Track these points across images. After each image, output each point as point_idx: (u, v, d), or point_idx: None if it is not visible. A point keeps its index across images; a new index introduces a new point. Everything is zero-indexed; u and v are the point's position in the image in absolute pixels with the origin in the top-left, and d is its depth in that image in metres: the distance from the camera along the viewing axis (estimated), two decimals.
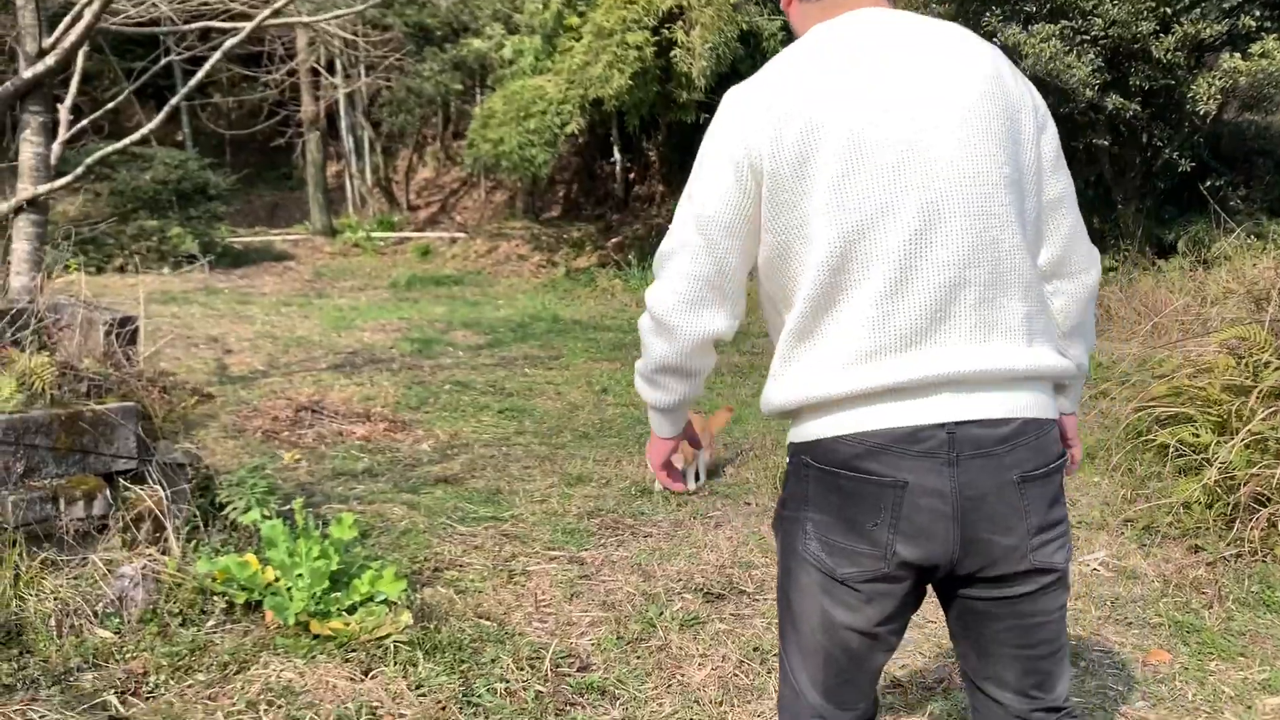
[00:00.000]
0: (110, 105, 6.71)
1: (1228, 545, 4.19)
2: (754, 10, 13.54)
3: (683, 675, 3.26)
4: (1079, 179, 12.87)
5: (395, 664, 3.16)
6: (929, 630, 3.58)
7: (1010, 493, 1.64)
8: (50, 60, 5.58)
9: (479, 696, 3.03)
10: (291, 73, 17.98)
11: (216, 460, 5.10)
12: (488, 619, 3.60)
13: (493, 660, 3.26)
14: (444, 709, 2.94)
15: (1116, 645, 3.51)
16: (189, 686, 3.01)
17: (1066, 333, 1.87)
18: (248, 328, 9.98)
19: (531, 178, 15.55)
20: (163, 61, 7.12)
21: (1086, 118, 11.29)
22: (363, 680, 3.07)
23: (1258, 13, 10.10)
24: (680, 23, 12.92)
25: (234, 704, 2.92)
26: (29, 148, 5.72)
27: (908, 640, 3.44)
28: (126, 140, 6.30)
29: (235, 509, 3.69)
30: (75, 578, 3.35)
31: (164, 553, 3.48)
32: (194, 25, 7.45)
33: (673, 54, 12.79)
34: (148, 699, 2.95)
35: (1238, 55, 9.93)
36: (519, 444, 6.19)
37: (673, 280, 1.74)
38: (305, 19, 9.48)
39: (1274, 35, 9.83)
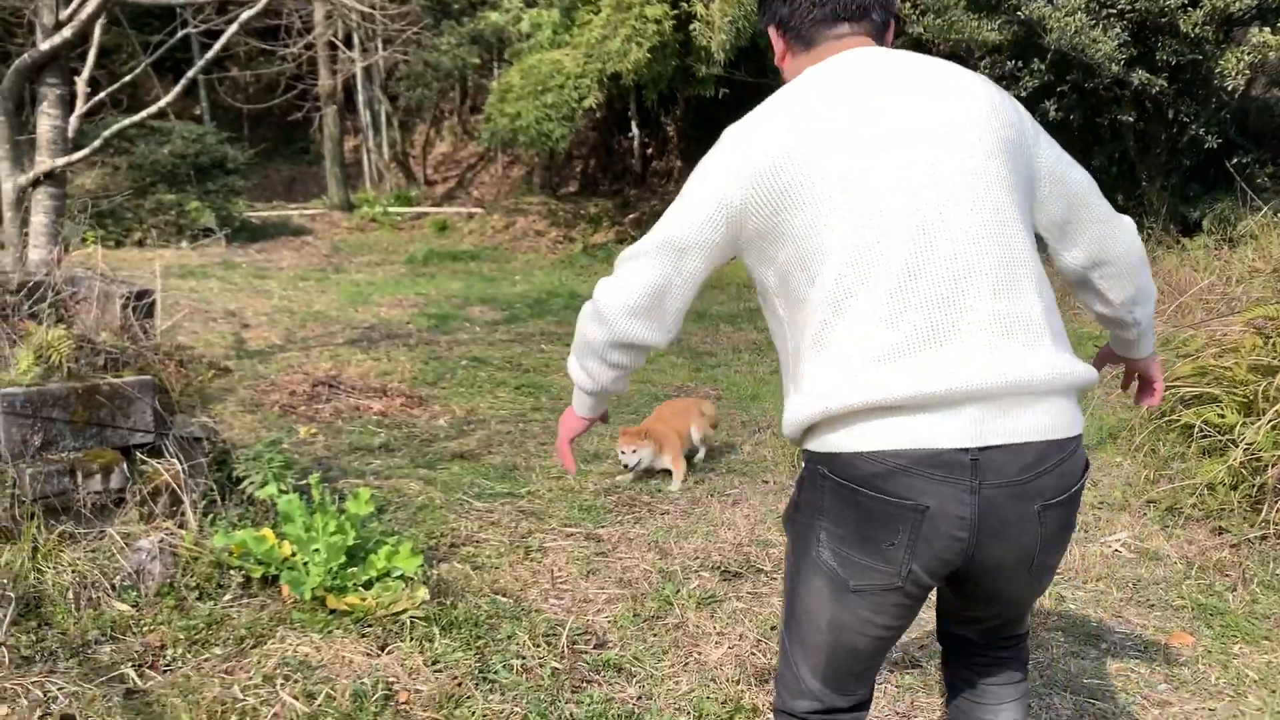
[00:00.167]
0: (127, 78, 6.68)
1: (1253, 528, 4.14)
2: None
3: (700, 653, 3.24)
4: (1102, 155, 12.73)
5: (411, 639, 3.15)
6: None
7: (1030, 522, 1.66)
8: (67, 32, 5.55)
9: (495, 672, 3.02)
10: (309, 46, 17.91)
11: (233, 434, 5.11)
12: (504, 595, 3.59)
13: (509, 636, 3.25)
14: (460, 685, 2.94)
15: (1139, 627, 3.47)
16: (206, 660, 3.02)
17: (1130, 299, 1.93)
18: (265, 302, 10.00)
19: (549, 153, 15.51)
20: (180, 34, 7.08)
21: (1111, 93, 11.14)
22: (379, 655, 3.06)
23: None
24: None
25: (250, 678, 2.92)
26: (46, 120, 5.71)
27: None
28: (143, 113, 6.27)
29: (252, 483, 3.68)
30: (93, 551, 3.36)
31: (181, 526, 3.47)
32: None
33: (692, 27, 12.68)
34: (165, 672, 2.96)
35: (1267, 30, 9.75)
36: (535, 420, 6.17)
37: (624, 280, 1.82)
38: None
39: None
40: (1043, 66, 10.96)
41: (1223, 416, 4.61)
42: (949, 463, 1.59)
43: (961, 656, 2.10)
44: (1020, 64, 11.12)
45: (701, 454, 5.37)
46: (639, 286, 1.80)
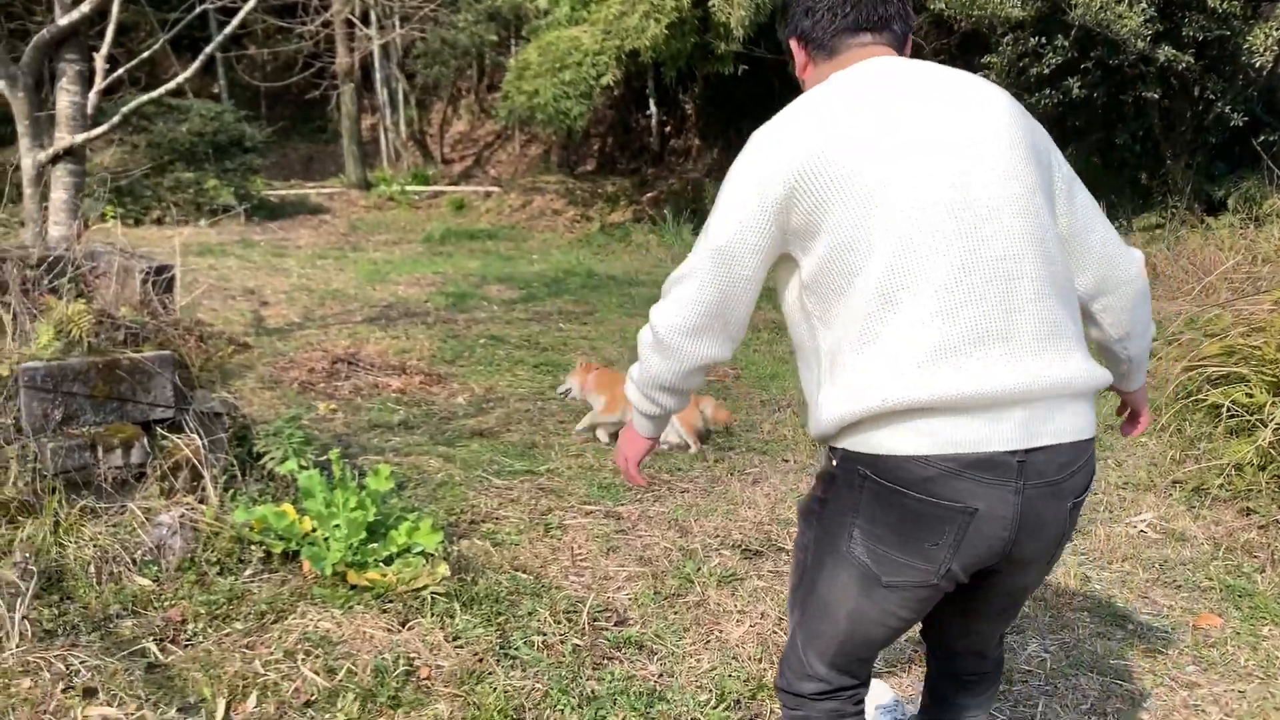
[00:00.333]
0: (146, 54, 6.66)
1: None
2: None
3: (721, 631, 3.22)
4: (1126, 133, 12.57)
5: (432, 615, 3.14)
6: None
7: (1062, 519, 1.72)
8: (85, 8, 5.53)
9: (516, 649, 3.01)
10: (326, 24, 17.83)
11: (253, 411, 5.10)
12: (524, 572, 3.57)
13: (530, 613, 3.24)
14: (481, 661, 2.92)
15: (1166, 608, 3.43)
16: (227, 635, 3.01)
17: (1125, 335, 1.95)
18: (284, 280, 10.00)
19: (566, 131, 15.42)
20: (197, 10, 7.03)
21: (1136, 70, 10.98)
22: (400, 631, 3.06)
23: None
24: None
25: (272, 653, 2.91)
26: (66, 96, 5.70)
27: None
28: (162, 89, 6.26)
29: (272, 459, 3.67)
30: (114, 525, 3.35)
31: (201, 501, 3.47)
32: None
33: (711, 3, 12.55)
34: (186, 646, 2.96)
35: None
36: (554, 399, 6.14)
37: (679, 304, 1.80)
38: None
39: None
40: (1066, 43, 10.81)
41: (1251, 396, 4.55)
42: (999, 465, 1.61)
43: (950, 679, 2.14)
44: (1043, 40, 10.97)
45: (691, 446, 5.17)
46: (697, 305, 1.78)
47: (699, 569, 3.65)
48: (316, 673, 2.81)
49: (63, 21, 5.54)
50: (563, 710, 2.71)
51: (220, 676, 2.77)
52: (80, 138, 5.64)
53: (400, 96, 20.80)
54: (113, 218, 4.05)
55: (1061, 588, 3.55)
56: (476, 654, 2.95)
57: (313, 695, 2.72)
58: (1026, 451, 1.62)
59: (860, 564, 1.72)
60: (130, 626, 3.02)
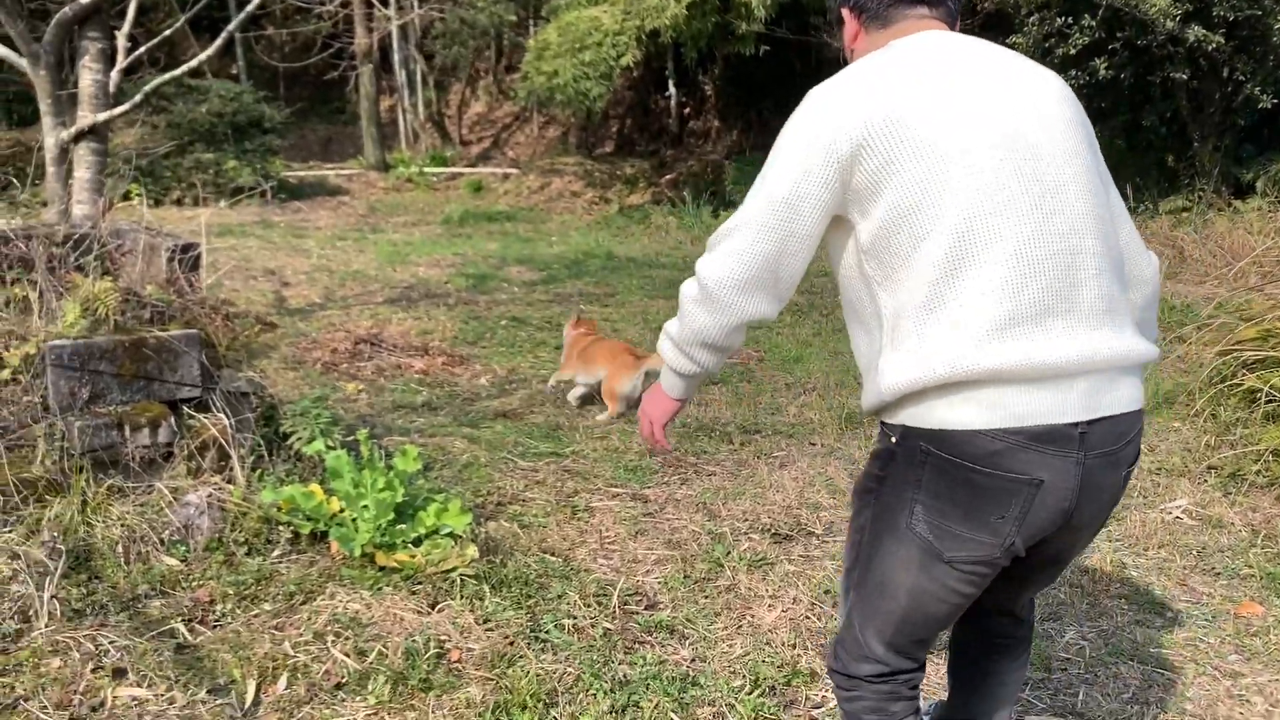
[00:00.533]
0: (167, 33, 6.63)
1: None
2: None
3: (753, 616, 3.18)
4: (1153, 115, 12.42)
5: (462, 597, 3.11)
6: None
7: (1117, 487, 1.74)
8: None
9: (547, 632, 2.97)
10: (345, 4, 17.82)
11: (276, 391, 5.08)
12: (553, 554, 3.54)
13: (559, 596, 3.20)
14: (512, 644, 2.89)
15: (1205, 596, 3.37)
16: (255, 616, 2.99)
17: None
18: (304, 261, 9.98)
19: (585, 112, 15.33)
20: None
21: (1165, 51, 10.82)
22: (429, 613, 3.03)
23: None
24: None
25: (301, 634, 2.89)
26: (88, 74, 5.67)
27: None
28: (183, 68, 6.23)
29: (299, 439, 3.64)
30: (141, 505, 3.33)
31: (229, 481, 3.45)
32: None
33: None
34: (214, 627, 2.94)
35: None
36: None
37: (731, 256, 1.74)
38: None
39: None
40: (1093, 23, 10.66)
41: None
42: (1063, 437, 1.61)
43: (982, 643, 2.14)
44: (1070, 20, 10.82)
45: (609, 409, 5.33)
46: (752, 258, 1.73)
47: (728, 553, 3.60)
48: (347, 655, 2.79)
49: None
50: (595, 695, 2.67)
51: (250, 658, 2.75)
52: (103, 116, 5.61)
53: (418, 77, 20.73)
54: (137, 195, 4.02)
55: (1098, 574, 3.50)
56: (507, 637, 2.92)
57: (343, 677, 2.70)
58: (1089, 423, 1.62)
59: (921, 540, 1.70)
60: (159, 607, 3.00)
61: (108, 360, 3.35)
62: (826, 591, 3.34)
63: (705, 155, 17.52)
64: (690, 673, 2.82)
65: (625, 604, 3.20)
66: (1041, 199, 1.62)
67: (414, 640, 2.86)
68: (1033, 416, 1.59)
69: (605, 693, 2.68)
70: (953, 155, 1.61)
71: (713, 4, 12.86)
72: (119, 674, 2.66)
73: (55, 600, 2.89)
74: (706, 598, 3.29)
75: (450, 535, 3.35)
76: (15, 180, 4.47)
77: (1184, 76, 10.84)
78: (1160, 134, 12.35)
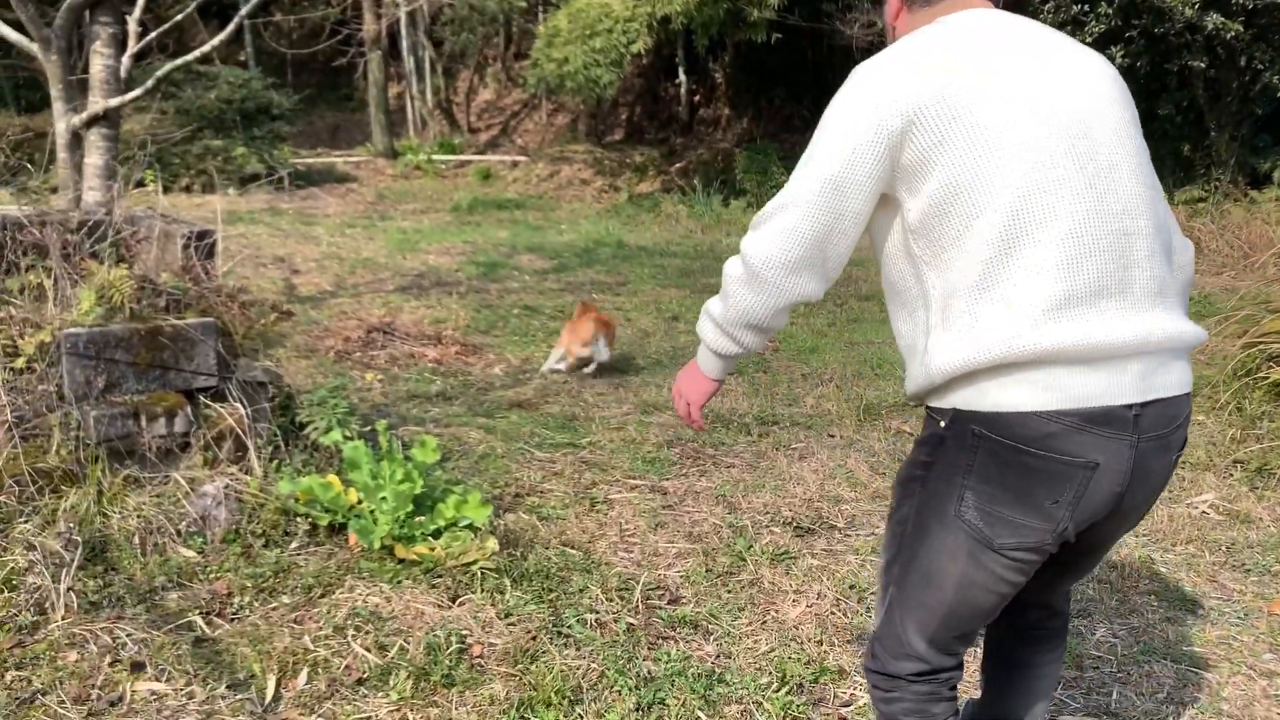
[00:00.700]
0: (178, 18, 6.57)
1: None
2: None
3: (777, 611, 3.13)
4: (1169, 104, 12.30)
5: (483, 591, 3.06)
6: None
7: (1167, 471, 1.72)
8: None
9: (569, 627, 2.93)
10: None
11: (291, 380, 5.04)
12: (573, 547, 3.49)
13: (581, 590, 3.16)
14: (534, 639, 2.85)
15: (1236, 593, 3.32)
16: (274, 609, 2.95)
17: None
18: (314, 248, 9.94)
19: (595, 100, 15.26)
20: None
21: (1182, 39, 10.70)
22: (450, 607, 2.98)
23: None
24: None
25: (321, 628, 2.85)
26: (99, 60, 5.60)
27: None
28: (194, 53, 6.16)
29: (316, 429, 3.60)
30: (157, 496, 3.29)
31: (246, 472, 3.40)
32: None
33: None
34: (233, 620, 2.90)
35: None
36: (591, 370, 6.06)
37: (779, 235, 1.71)
38: None
39: None
40: (1110, 10, 10.56)
41: None
42: (1118, 419, 1.58)
43: (1017, 635, 2.10)
44: (1086, 7, 10.72)
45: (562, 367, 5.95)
46: (800, 237, 1.69)
47: (750, 546, 3.56)
48: (367, 649, 2.75)
49: None
50: (620, 691, 2.63)
51: (269, 652, 2.71)
52: (115, 101, 5.55)
53: (427, 64, 20.63)
54: (152, 181, 3.97)
55: (1127, 570, 3.44)
56: (529, 632, 2.88)
57: (364, 673, 2.66)
58: (1142, 405, 1.60)
59: (971, 528, 1.66)
60: (176, 599, 2.96)
61: (123, 349, 3.30)
62: (851, 586, 3.29)
63: (715, 143, 17.42)
64: (716, 669, 2.78)
65: (648, 598, 3.16)
66: (1095, 178, 1.60)
67: (435, 635, 2.81)
68: (1089, 398, 1.57)
69: (630, 689, 2.63)
70: (1005, 133, 1.58)
71: None
72: (137, 667, 2.62)
73: (72, 592, 2.86)
74: (729, 592, 3.25)
75: (470, 527, 3.31)
76: (29, 166, 4.40)
77: (1201, 65, 10.73)
78: (1176, 123, 12.23)
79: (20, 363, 3.26)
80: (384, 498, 3.25)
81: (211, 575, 3.09)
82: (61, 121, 5.55)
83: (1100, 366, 1.57)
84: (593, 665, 2.74)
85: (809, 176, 1.68)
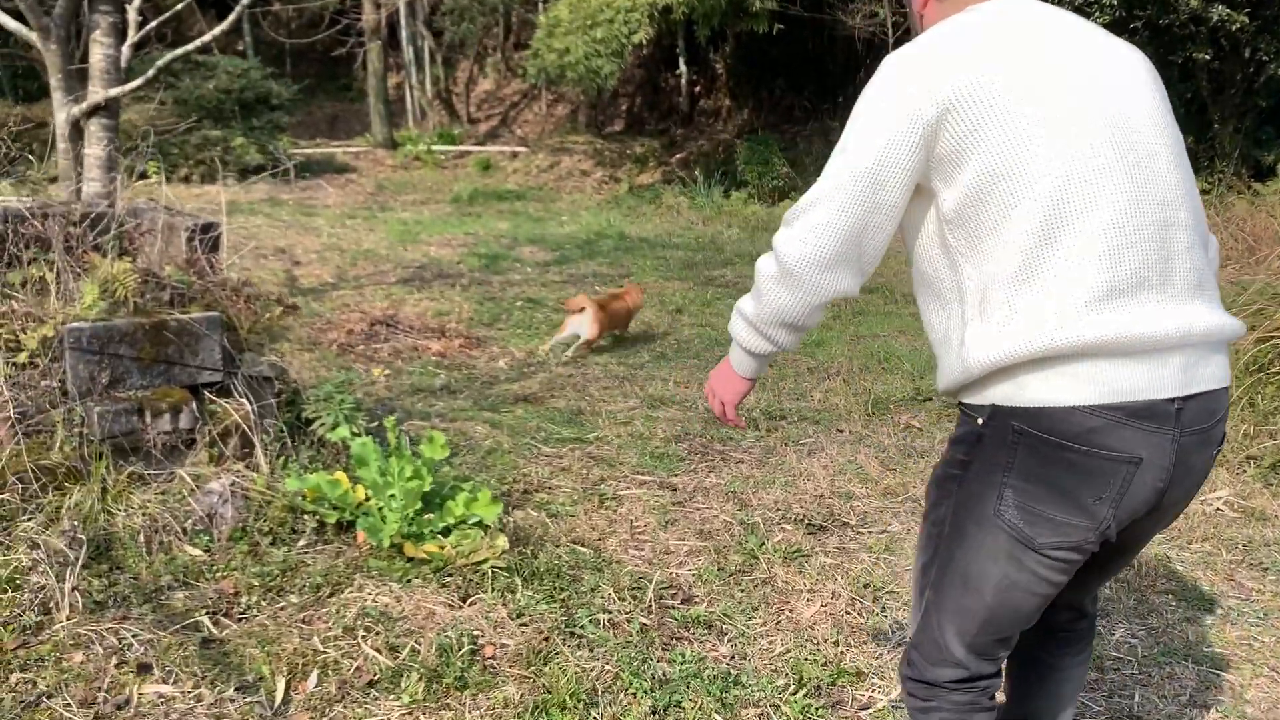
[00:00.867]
0: (178, 6, 6.51)
1: None
2: None
3: (791, 611, 3.09)
4: (1173, 96, 12.28)
5: (494, 590, 3.02)
6: None
7: (1207, 467, 1.68)
8: None
9: (582, 627, 2.89)
10: None
11: (294, 374, 4.99)
12: (583, 545, 3.45)
13: (593, 589, 3.12)
14: (547, 640, 2.81)
15: (1254, 592, 3.28)
16: (282, 608, 2.91)
17: None
18: (314, 239, 9.88)
19: (596, 90, 15.17)
20: None
21: (1187, 30, 10.64)
22: (461, 607, 2.94)
23: None
24: None
25: (330, 629, 2.80)
26: (99, 49, 5.54)
27: None
28: (196, 43, 6.09)
29: (323, 425, 3.55)
30: (163, 493, 3.25)
31: (252, 469, 3.36)
32: None
33: None
34: (240, 620, 2.85)
35: None
36: (596, 363, 6.02)
37: (812, 231, 1.67)
38: None
39: None
40: (1114, 2, 10.49)
41: None
42: (1160, 413, 1.55)
43: (1045, 637, 2.04)
44: None
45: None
46: (834, 232, 1.65)
47: (762, 544, 3.52)
48: (378, 650, 2.70)
49: None
50: (636, 694, 2.59)
51: (278, 653, 2.67)
52: (115, 91, 5.49)
53: (426, 54, 20.54)
54: (156, 173, 3.91)
55: (1144, 569, 3.40)
56: (542, 632, 2.84)
57: (375, 675, 2.61)
58: (1184, 399, 1.57)
59: (1011, 528, 1.62)
60: (182, 598, 2.92)
61: (127, 343, 3.25)
62: (866, 585, 3.25)
63: (716, 134, 17.35)
64: (731, 671, 2.74)
65: (660, 598, 3.12)
66: (1134, 168, 1.57)
67: (447, 636, 2.77)
68: (1131, 392, 1.53)
69: (645, 692, 2.59)
70: (1042, 121, 1.55)
71: None
72: (144, 669, 2.57)
73: (76, 592, 2.81)
74: (743, 591, 3.21)
75: (479, 525, 3.27)
76: (31, 157, 4.35)
77: (1206, 57, 10.67)
78: (1179, 116, 12.15)
79: (23, 358, 3.21)
80: (393, 495, 3.21)
81: (218, 574, 3.05)
82: (62, 112, 5.49)
83: (1142, 360, 1.54)
84: (607, 667, 2.70)
85: (842, 169, 1.64)
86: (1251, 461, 4.33)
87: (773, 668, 2.77)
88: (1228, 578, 3.39)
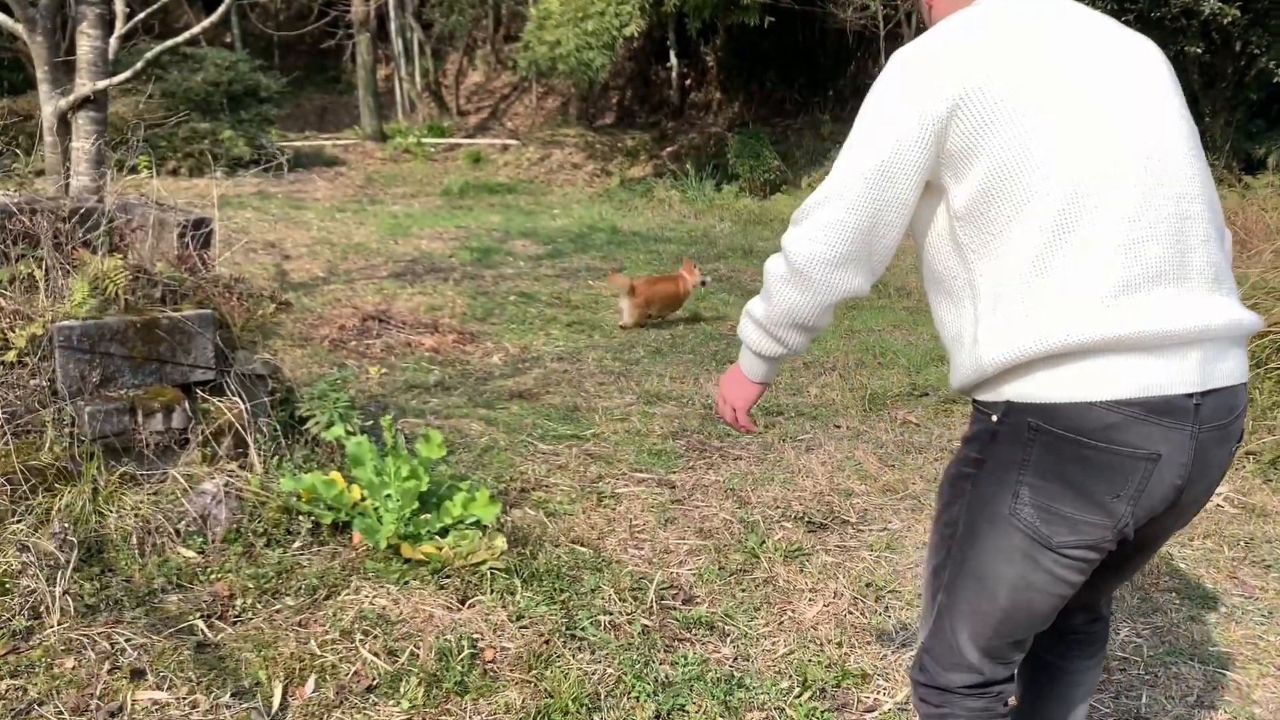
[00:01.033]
0: (162, 1, 6.43)
1: None
2: None
3: (793, 611, 3.06)
4: None
5: (493, 592, 2.98)
6: None
7: (1225, 464, 1.65)
8: None
9: (583, 629, 2.85)
10: None
11: (287, 371, 4.93)
12: (582, 545, 3.41)
13: (593, 590, 3.08)
14: (548, 642, 2.77)
15: (1258, 590, 3.26)
16: (278, 611, 2.86)
17: None
18: (304, 233, 9.79)
19: (587, 83, 15.11)
20: None
21: (1179, 24, 10.64)
22: (460, 609, 2.90)
23: None
24: None
25: (327, 631, 2.76)
26: (86, 41, 5.46)
27: None
28: (185, 35, 6.02)
29: (317, 423, 3.50)
30: (155, 494, 3.19)
31: (246, 469, 3.31)
32: None
33: None
34: (235, 623, 2.80)
35: None
36: (591, 359, 5.98)
37: (821, 230, 1.64)
38: None
39: None
40: None
41: None
42: (1178, 409, 1.51)
43: (1057, 640, 1.99)
44: None
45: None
46: (844, 231, 1.62)
47: (762, 543, 3.48)
48: (376, 654, 2.66)
49: None
50: (639, 698, 2.55)
51: (275, 658, 2.62)
52: (103, 84, 5.41)
53: (415, 47, 20.42)
54: (146, 168, 3.85)
55: (1147, 566, 3.38)
56: (542, 635, 2.80)
57: (374, 679, 2.57)
58: (1203, 394, 1.54)
59: (1027, 527, 1.59)
60: (176, 601, 2.87)
61: (118, 342, 3.20)
62: (868, 585, 3.22)
63: (706, 127, 17.30)
64: (735, 673, 2.70)
65: (661, 598, 3.08)
66: (1150, 161, 1.54)
67: (446, 639, 2.73)
68: (1150, 387, 1.50)
69: (649, 695, 2.55)
70: (1055, 115, 1.52)
71: None
72: (137, 675, 2.53)
73: (67, 595, 2.76)
74: (744, 591, 3.17)
75: (477, 525, 3.22)
76: (19, 152, 4.27)
77: (1198, 50, 10.67)
78: None
79: (11, 356, 3.15)
80: (389, 495, 3.16)
81: (212, 576, 3.00)
82: (49, 105, 5.42)
83: (1161, 355, 1.51)
84: (609, 670, 2.66)
85: (852, 167, 1.61)
86: (1251, 457, 4.31)
87: (776, 669, 2.73)
88: (1230, 575, 3.37)
